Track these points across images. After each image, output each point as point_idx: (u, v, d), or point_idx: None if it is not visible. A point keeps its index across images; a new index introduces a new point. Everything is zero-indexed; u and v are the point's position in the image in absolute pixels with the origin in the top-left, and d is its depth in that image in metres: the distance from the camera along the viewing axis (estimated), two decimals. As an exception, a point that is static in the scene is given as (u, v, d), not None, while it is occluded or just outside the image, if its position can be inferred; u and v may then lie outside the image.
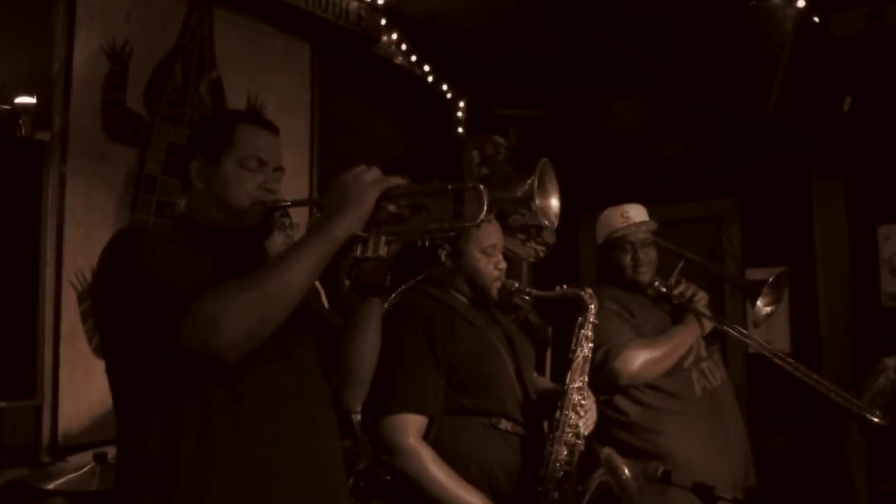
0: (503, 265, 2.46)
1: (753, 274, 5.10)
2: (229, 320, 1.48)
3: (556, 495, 2.29)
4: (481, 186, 1.59)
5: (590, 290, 2.51)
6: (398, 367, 2.29)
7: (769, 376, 4.88)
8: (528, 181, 1.63)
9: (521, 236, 5.15)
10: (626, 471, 2.23)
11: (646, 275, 3.08)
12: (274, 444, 1.62)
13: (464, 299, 2.46)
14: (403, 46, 5.01)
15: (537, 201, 1.62)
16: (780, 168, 5.07)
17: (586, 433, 2.38)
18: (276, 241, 3.44)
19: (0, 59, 3.25)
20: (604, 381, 2.82)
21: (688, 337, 3.00)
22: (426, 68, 5.21)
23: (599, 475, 2.27)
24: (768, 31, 4.01)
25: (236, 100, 4.21)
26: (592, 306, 2.48)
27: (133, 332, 1.58)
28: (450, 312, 2.38)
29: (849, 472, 3.93)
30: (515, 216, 5.13)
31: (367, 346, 1.83)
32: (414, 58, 5.10)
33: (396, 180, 1.63)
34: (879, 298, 4.78)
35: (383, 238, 1.64)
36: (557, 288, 2.51)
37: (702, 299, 3.06)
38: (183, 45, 4.04)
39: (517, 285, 2.45)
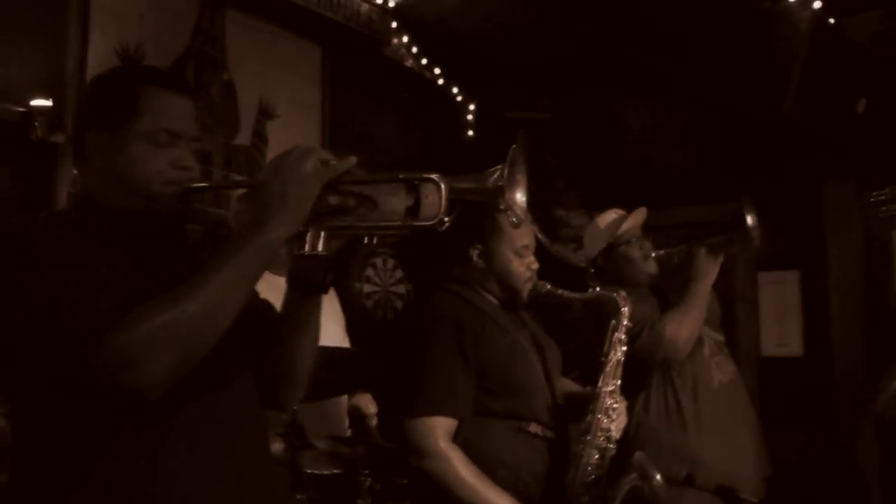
0: (535, 266, 2.43)
1: (765, 278, 5.11)
2: (147, 355, 1.23)
3: (586, 499, 2.27)
4: (438, 178, 1.37)
5: (623, 293, 2.49)
6: (427, 369, 2.27)
7: (781, 380, 4.89)
8: (496, 171, 1.42)
9: (573, 245, 5.18)
10: (658, 475, 2.22)
11: (653, 260, 3.13)
12: (194, 467, 1.38)
13: (494, 301, 2.44)
14: (414, 49, 4.99)
15: (507, 195, 1.41)
16: (794, 170, 5.05)
17: (618, 437, 2.35)
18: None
19: (15, 62, 3.24)
20: (665, 357, 2.88)
21: (707, 281, 3.01)
22: (436, 71, 5.18)
23: (630, 479, 2.25)
24: (783, 33, 4.00)
25: (248, 101, 4.20)
26: (625, 309, 2.46)
27: (26, 363, 1.32)
28: (480, 314, 2.35)
29: (862, 475, 3.93)
30: (566, 229, 5.16)
31: (308, 347, 1.61)
32: (424, 60, 5.08)
33: (342, 166, 1.39)
34: (892, 301, 4.77)
35: (323, 233, 1.43)
36: (590, 290, 2.49)
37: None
38: (195, 47, 4.02)
39: (549, 287, 2.42)
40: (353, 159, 1.40)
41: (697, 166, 5.30)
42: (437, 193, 1.36)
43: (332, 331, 3.47)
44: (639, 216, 3.20)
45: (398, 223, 1.42)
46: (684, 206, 4.94)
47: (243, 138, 4.18)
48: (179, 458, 1.36)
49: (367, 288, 4.97)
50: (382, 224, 1.43)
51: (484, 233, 2.42)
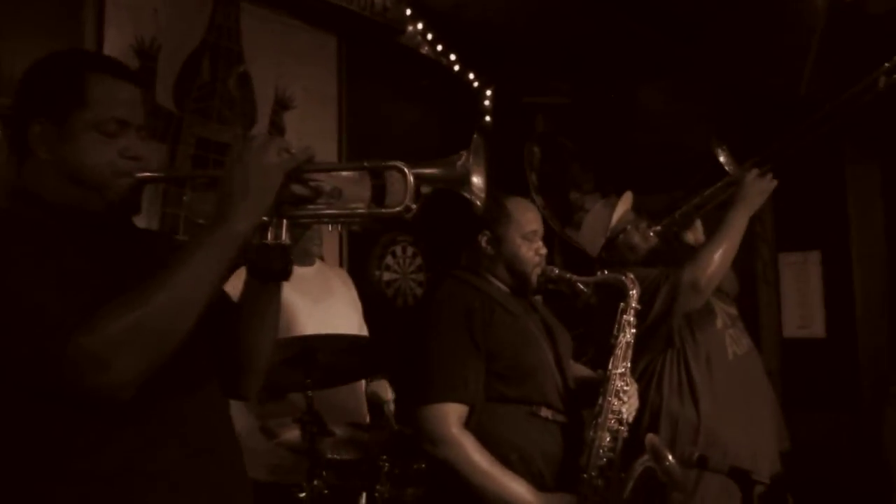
0: (544, 251, 2.44)
1: (787, 259, 5.07)
2: (118, 355, 1.21)
3: (599, 482, 2.28)
4: (403, 165, 1.36)
5: (631, 276, 2.49)
6: (438, 356, 2.29)
7: (804, 361, 4.86)
8: (459, 157, 1.43)
9: None
10: (671, 457, 2.22)
11: (653, 239, 3.09)
12: (167, 465, 1.37)
13: (503, 287, 2.45)
14: (429, 36, 4.99)
15: (472, 180, 1.42)
16: (814, 150, 4.99)
17: (629, 419, 2.36)
18: (299, 235, 3.43)
19: (31, 58, 3.27)
20: (684, 301, 2.77)
21: (751, 206, 2.86)
22: (452, 57, 5.18)
23: (643, 461, 2.25)
24: (800, 11, 3.96)
25: (264, 93, 4.22)
26: (634, 291, 2.46)
27: None
28: (489, 301, 2.37)
29: (885, 457, 3.90)
30: (581, 213, 5.15)
31: (268, 335, 1.57)
32: (440, 47, 5.07)
33: (304, 155, 1.37)
34: (916, 281, 4.73)
35: (286, 222, 1.41)
36: (598, 273, 2.49)
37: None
38: (210, 40, 4.04)
39: (557, 271, 2.43)
40: (312, 149, 1.39)
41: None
42: (402, 181, 1.36)
43: (351, 318, 3.49)
44: (626, 201, 3.15)
45: (363, 211, 1.42)
46: (703, 189, 4.90)
47: (260, 130, 4.21)
48: (152, 456, 1.35)
49: (387, 276, 5.00)
50: (347, 212, 1.43)
51: (492, 219, 2.44)
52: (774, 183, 2.86)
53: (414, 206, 1.37)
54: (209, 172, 1.45)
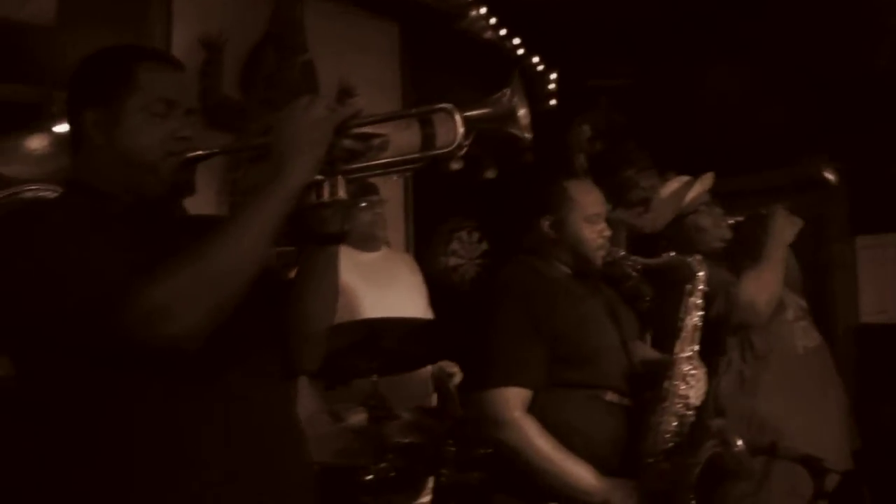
0: (607, 233, 2.42)
1: (864, 242, 4.91)
2: (182, 305, 1.24)
3: (664, 467, 2.25)
4: (451, 107, 1.36)
5: (699, 257, 2.45)
6: (500, 340, 2.29)
7: (882, 348, 4.70)
8: (503, 94, 1.42)
9: (641, 209, 5.08)
10: (739, 442, 2.18)
11: (726, 226, 3.04)
12: (217, 440, 1.38)
13: (566, 270, 2.43)
14: (491, 21, 4.96)
15: (520, 114, 1.41)
16: (890, 129, 4.82)
17: (696, 404, 2.32)
18: (364, 220, 3.46)
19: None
20: (742, 317, 2.81)
21: (783, 240, 2.93)
22: (515, 42, 5.15)
23: (710, 447, 2.21)
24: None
25: (328, 82, 4.26)
26: (701, 273, 2.42)
27: (58, 327, 1.30)
28: (552, 284, 2.36)
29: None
30: (636, 190, 5.07)
31: (327, 299, 1.58)
32: (503, 32, 5.05)
33: (351, 109, 1.40)
34: None
35: (341, 178, 1.41)
36: (664, 255, 2.46)
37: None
38: (274, 31, 4.10)
39: (622, 253, 2.41)
40: (361, 102, 1.42)
41: (786, 128, 5.12)
42: (450, 122, 1.36)
43: (417, 304, 3.51)
44: (705, 183, 3.10)
45: (416, 155, 1.43)
46: (773, 170, 4.78)
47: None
48: (209, 432, 1.37)
49: (453, 261, 5.01)
50: (399, 159, 1.43)
51: (553, 203, 2.42)
52: (799, 220, 2.97)
53: (466, 144, 1.36)
54: (260, 139, 1.46)
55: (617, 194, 4.24)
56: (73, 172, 1.52)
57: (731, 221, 3.04)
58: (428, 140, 1.42)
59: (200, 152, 1.48)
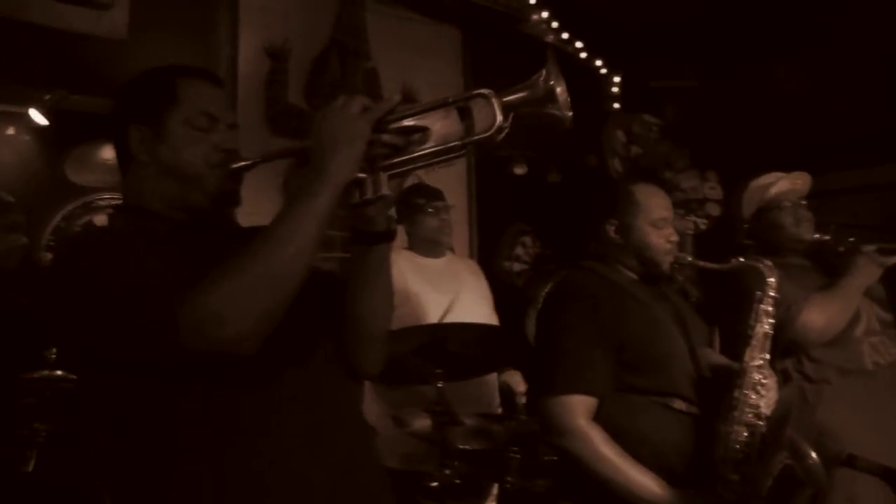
0: (675, 238, 2.37)
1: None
2: (234, 310, 1.25)
3: (734, 478, 2.19)
4: (489, 92, 1.36)
5: (769, 262, 2.38)
6: (565, 347, 2.26)
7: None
8: (539, 76, 1.40)
9: (681, 211, 5.00)
10: (814, 454, 2.11)
11: (809, 231, 2.95)
12: (280, 441, 1.39)
13: (632, 275, 2.40)
14: (554, 24, 4.94)
15: (558, 94, 1.38)
16: None
17: (767, 413, 2.26)
18: (429, 226, 3.46)
19: (168, 59, 3.43)
20: (791, 340, 2.72)
21: (862, 281, 2.84)
22: (578, 45, 5.11)
23: (782, 458, 2.15)
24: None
25: (391, 88, 4.30)
26: (772, 279, 2.36)
27: (117, 347, 1.32)
28: (618, 290, 2.32)
29: None
30: (676, 192, 4.99)
31: (382, 300, 1.57)
32: (565, 35, 5.01)
33: (388, 104, 1.39)
34: None
35: (383, 174, 1.40)
36: (733, 260, 2.40)
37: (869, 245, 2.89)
38: (337, 38, 4.15)
39: (689, 258, 2.36)
40: (398, 97, 1.42)
41: (861, 127, 4.97)
42: (489, 107, 1.36)
43: (481, 309, 3.51)
44: (794, 181, 3.02)
45: (457, 143, 1.40)
46: (844, 171, 4.64)
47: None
48: (272, 435, 1.38)
49: (517, 266, 5.00)
50: (441, 148, 1.41)
51: (618, 207, 2.39)
52: (885, 266, 2.85)
53: (506, 126, 1.36)
54: (300, 144, 1.46)
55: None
56: (122, 193, 1.55)
57: (816, 236, 2.95)
58: (468, 129, 1.40)
59: (243, 163, 1.50)
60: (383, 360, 1.65)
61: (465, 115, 1.41)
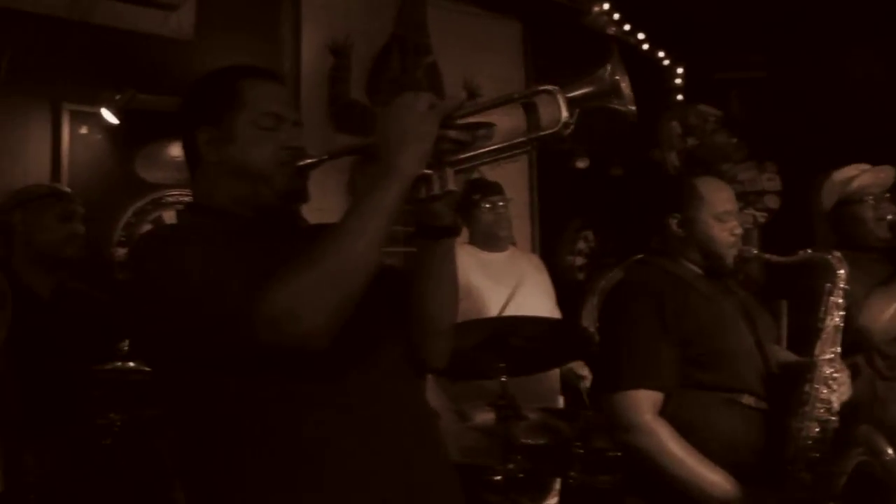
0: (739, 231, 2.33)
1: None
2: (306, 306, 1.26)
3: (806, 476, 2.15)
4: (554, 88, 1.35)
5: (838, 255, 2.33)
6: (630, 342, 2.24)
7: None
8: (604, 69, 1.39)
9: (740, 203, 4.90)
10: (890, 451, 2.06)
11: (885, 229, 2.87)
12: (353, 437, 1.40)
13: (697, 269, 2.36)
14: (615, 16, 4.88)
15: (623, 87, 1.38)
16: None
17: (839, 409, 2.20)
18: (486, 220, 3.46)
19: (232, 56, 3.48)
20: (852, 339, 2.58)
21: None
22: (640, 36, 5.04)
23: (857, 454, 2.09)
24: None
25: (453, 82, 4.30)
26: (841, 271, 2.30)
27: (194, 341, 1.35)
28: (682, 284, 2.29)
29: None
30: (734, 185, 4.89)
31: (448, 293, 1.58)
32: (627, 27, 4.96)
33: (455, 101, 1.39)
34: None
35: (449, 170, 1.41)
36: (800, 253, 2.34)
37: None
38: (399, 33, 4.17)
39: (755, 251, 2.31)
40: (464, 94, 1.43)
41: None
42: (554, 102, 1.35)
43: (544, 303, 3.50)
44: (877, 175, 2.93)
45: (522, 139, 1.40)
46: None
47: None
48: (348, 427, 1.40)
49: (579, 261, 4.96)
50: (506, 144, 1.41)
51: (682, 201, 2.36)
52: None
53: (572, 122, 1.35)
54: (365, 140, 1.47)
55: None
56: (191, 193, 1.58)
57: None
58: (533, 124, 1.40)
59: (310, 160, 1.51)
60: (449, 353, 1.65)
61: (529, 110, 1.41)
